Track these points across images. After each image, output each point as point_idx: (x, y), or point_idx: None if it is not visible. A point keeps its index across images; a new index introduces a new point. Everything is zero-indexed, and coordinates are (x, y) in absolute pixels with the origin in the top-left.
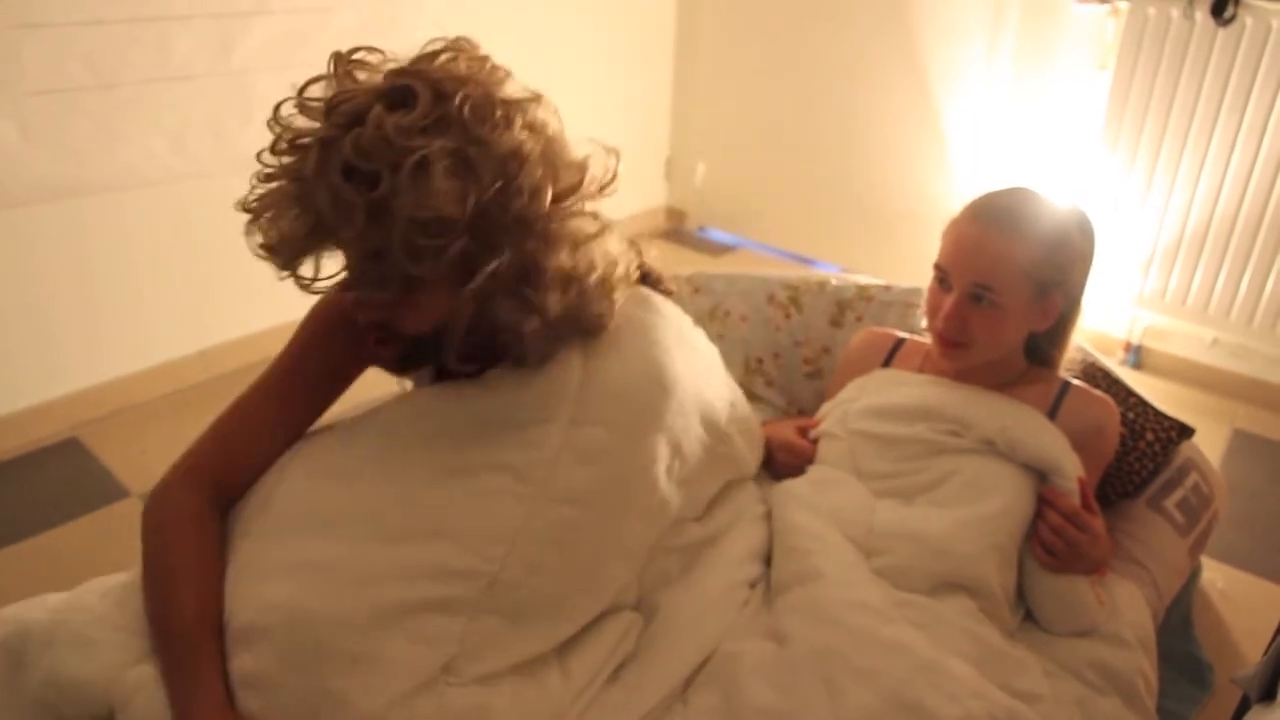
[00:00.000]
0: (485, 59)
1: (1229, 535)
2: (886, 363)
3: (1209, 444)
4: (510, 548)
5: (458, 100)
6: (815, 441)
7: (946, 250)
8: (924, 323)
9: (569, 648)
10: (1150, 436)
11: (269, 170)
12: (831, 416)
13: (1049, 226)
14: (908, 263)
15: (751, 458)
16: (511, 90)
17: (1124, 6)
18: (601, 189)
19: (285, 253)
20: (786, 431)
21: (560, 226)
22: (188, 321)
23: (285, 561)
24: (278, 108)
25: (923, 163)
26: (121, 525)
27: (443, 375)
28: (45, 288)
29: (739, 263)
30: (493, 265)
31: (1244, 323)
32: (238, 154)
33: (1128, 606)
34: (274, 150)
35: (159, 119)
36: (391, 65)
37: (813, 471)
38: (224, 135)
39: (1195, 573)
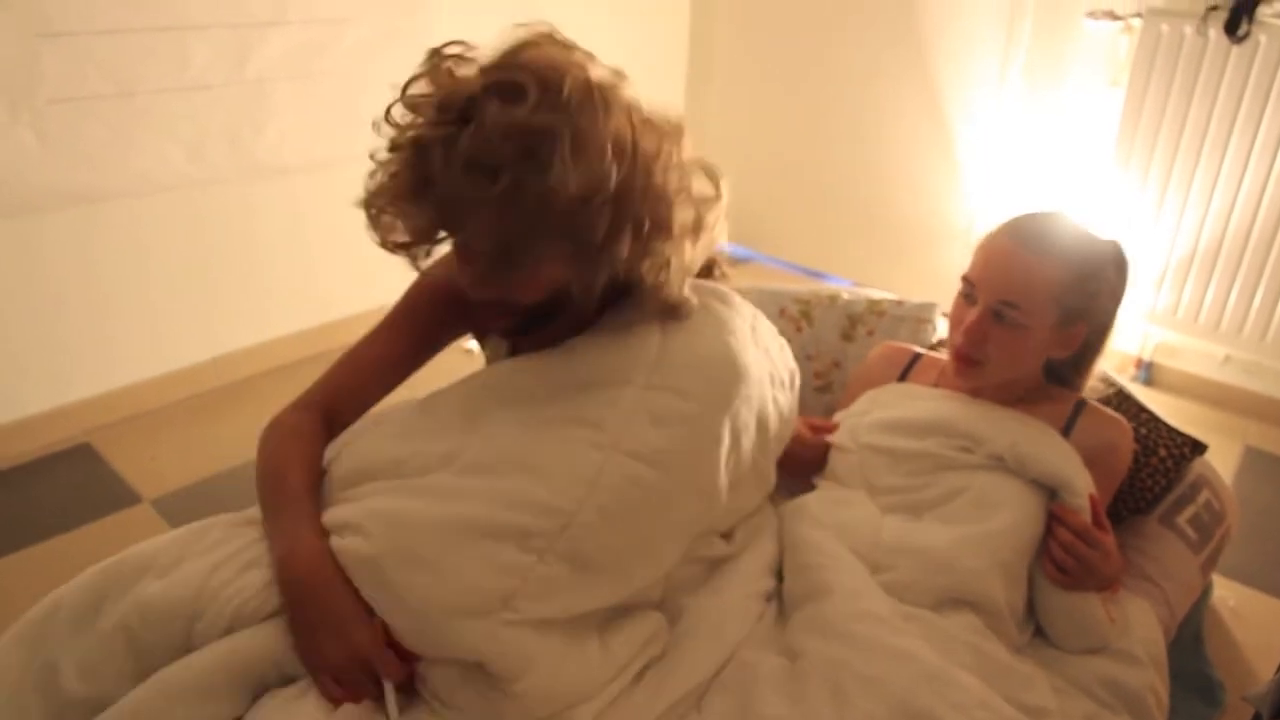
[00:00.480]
0: (572, 46)
1: (1241, 552)
2: (902, 377)
3: (1221, 461)
4: (589, 490)
5: (565, 89)
6: (828, 443)
7: (977, 264)
8: (936, 338)
9: (610, 625)
10: (1163, 453)
11: (391, 170)
12: (843, 429)
13: (1084, 254)
14: (919, 278)
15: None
16: (599, 72)
17: (1137, 23)
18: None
19: (417, 247)
20: (797, 425)
21: (658, 186)
22: (200, 328)
23: (381, 490)
24: (388, 111)
25: (935, 178)
26: (133, 530)
27: (517, 349)
28: (60, 293)
29: (751, 276)
30: (626, 232)
31: (1256, 340)
32: (253, 162)
33: (1139, 624)
34: (392, 149)
35: (175, 127)
36: (478, 56)
37: (822, 488)
38: (240, 143)
39: (1206, 590)
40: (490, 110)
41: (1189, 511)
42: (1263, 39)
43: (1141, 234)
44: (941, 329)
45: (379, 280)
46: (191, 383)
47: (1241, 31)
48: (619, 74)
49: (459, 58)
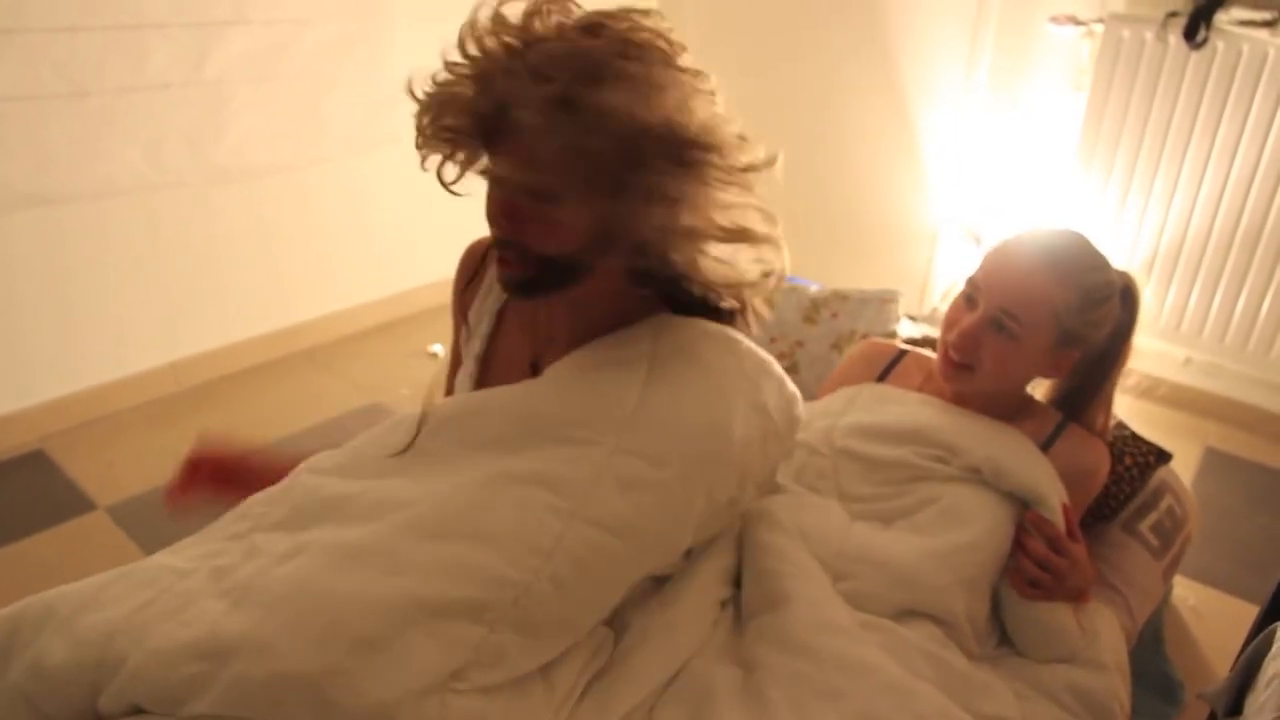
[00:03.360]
0: (668, 30)
1: (1200, 553)
2: (882, 377)
3: (1181, 463)
4: (545, 560)
5: (641, 39)
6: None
7: (985, 268)
8: (905, 325)
9: (552, 661)
10: (1129, 460)
11: (458, 70)
12: (816, 428)
13: (1095, 281)
14: (884, 280)
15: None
16: (683, 59)
17: (1099, 29)
18: (743, 169)
19: (456, 154)
20: None
21: (706, 179)
22: (159, 332)
23: (319, 540)
24: (473, 18)
25: (900, 181)
26: (88, 538)
27: (484, 358)
28: (16, 296)
29: None
30: (644, 191)
31: (1216, 342)
32: (213, 165)
33: (1104, 630)
34: (463, 52)
35: (134, 128)
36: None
37: (790, 491)
38: (199, 146)
39: (1167, 590)
40: (569, 34)
41: (1151, 518)
42: (1220, 45)
43: (1103, 237)
44: (905, 327)
45: (341, 284)
46: (150, 388)
47: (1200, 38)
48: (700, 72)
49: (561, 9)
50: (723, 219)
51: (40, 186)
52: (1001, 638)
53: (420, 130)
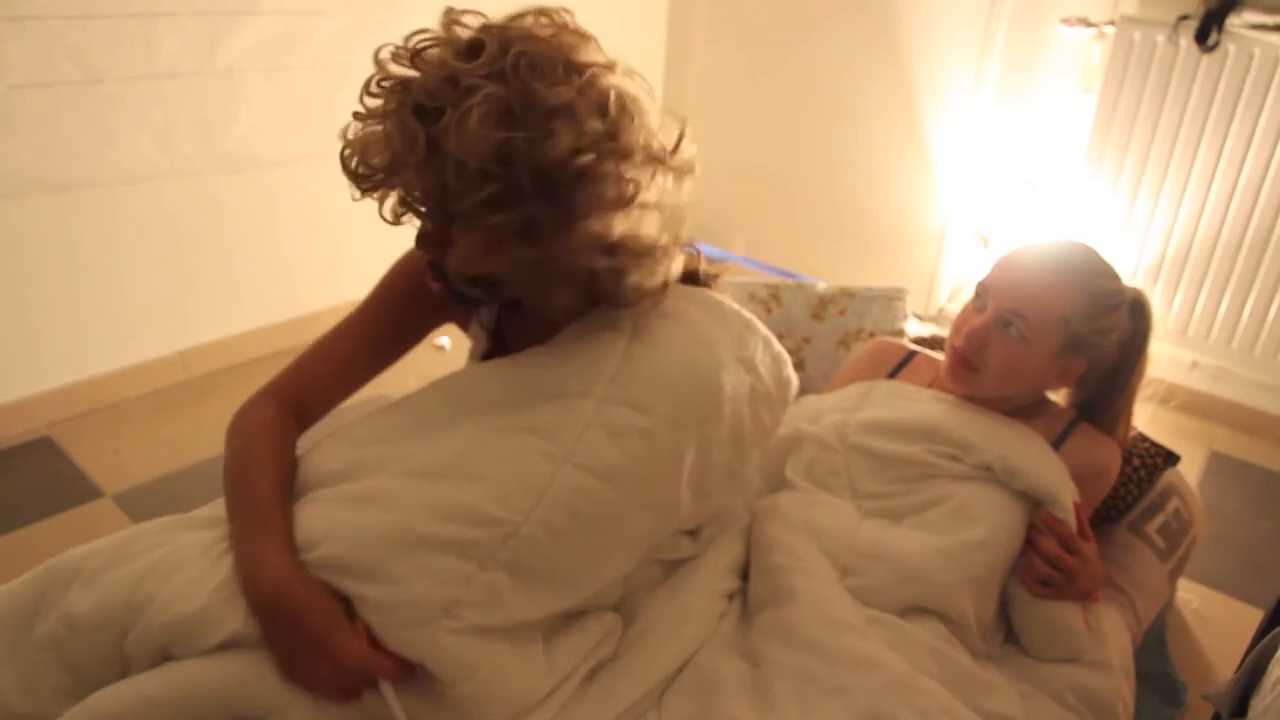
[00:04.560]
0: (564, 24)
1: (1205, 556)
2: (892, 376)
3: (1187, 466)
4: (536, 502)
5: (514, 53)
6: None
7: (995, 270)
8: (912, 324)
9: (555, 634)
10: (1136, 462)
11: (365, 109)
12: (828, 422)
13: (1103, 289)
14: (892, 280)
15: (757, 479)
16: (585, 54)
17: (1110, 31)
18: (656, 160)
19: (366, 182)
20: None
21: (594, 179)
22: (168, 321)
23: (333, 494)
24: (377, 53)
25: (909, 181)
26: (95, 525)
27: (492, 353)
28: (26, 282)
29: (724, 276)
30: (521, 211)
31: (1223, 345)
32: (223, 154)
33: (1110, 631)
34: (368, 92)
35: (146, 116)
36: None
37: (800, 487)
38: (210, 134)
39: (1171, 593)
40: (446, 64)
41: (1158, 520)
42: (1231, 48)
43: (1111, 239)
44: (913, 326)
45: (351, 275)
46: (158, 376)
47: (1211, 41)
48: (610, 63)
49: (465, 24)
50: (608, 222)
51: (52, 172)
52: (1007, 636)
53: (351, 175)
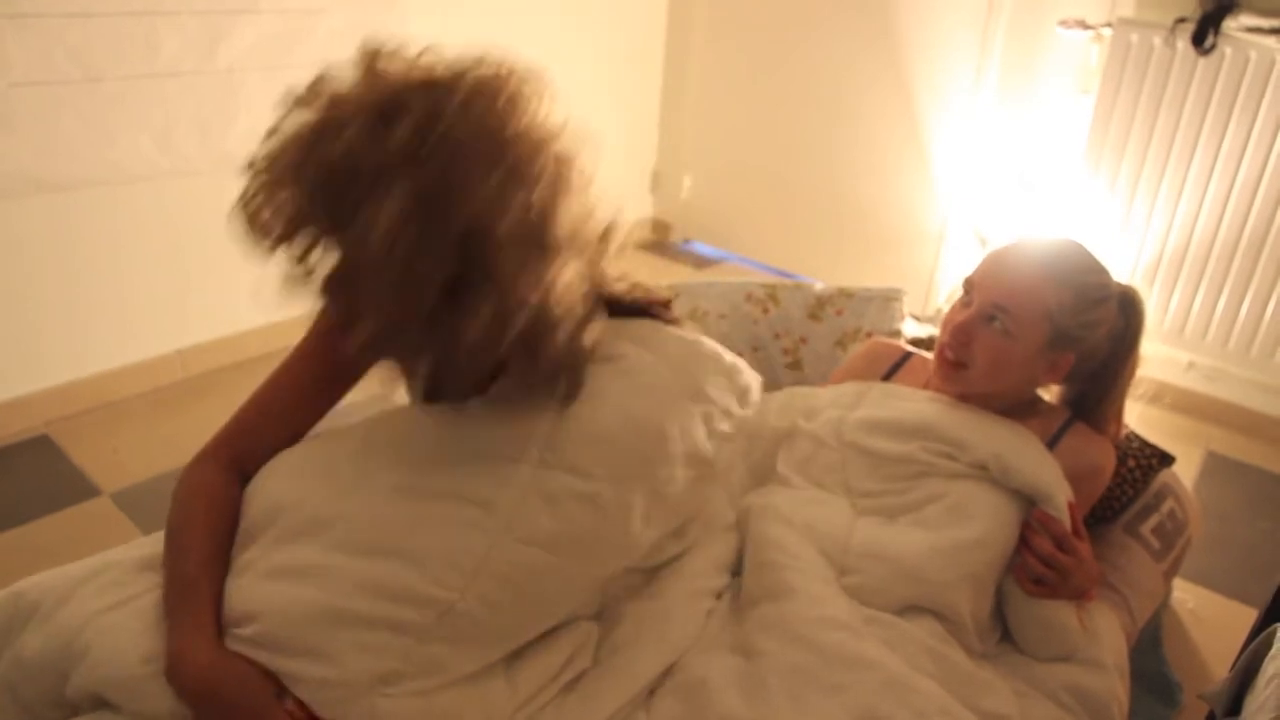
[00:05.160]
0: (508, 78)
1: (1200, 556)
2: (887, 378)
3: (1183, 466)
4: (471, 580)
5: (442, 128)
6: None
7: (982, 266)
8: (909, 324)
9: (517, 659)
10: (1131, 463)
11: (263, 157)
12: (825, 419)
13: (1088, 282)
14: (890, 280)
15: (732, 461)
16: (526, 124)
17: (1107, 33)
18: (590, 249)
19: (264, 238)
20: None
21: (501, 267)
22: (167, 320)
23: (265, 564)
24: (305, 91)
25: (908, 182)
26: (93, 524)
27: (434, 388)
28: (25, 281)
29: (722, 275)
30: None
31: (1219, 346)
32: (223, 153)
33: (1105, 631)
34: (270, 134)
35: (146, 115)
36: (410, 61)
37: (795, 486)
38: (210, 133)
39: (1166, 593)
40: (354, 134)
41: (1153, 521)
42: (1228, 51)
43: (1109, 239)
44: (910, 326)
45: None
46: (157, 375)
47: (1208, 44)
48: (554, 133)
49: (393, 56)
50: (532, 293)
51: (51, 171)
52: (1002, 635)
53: (242, 210)
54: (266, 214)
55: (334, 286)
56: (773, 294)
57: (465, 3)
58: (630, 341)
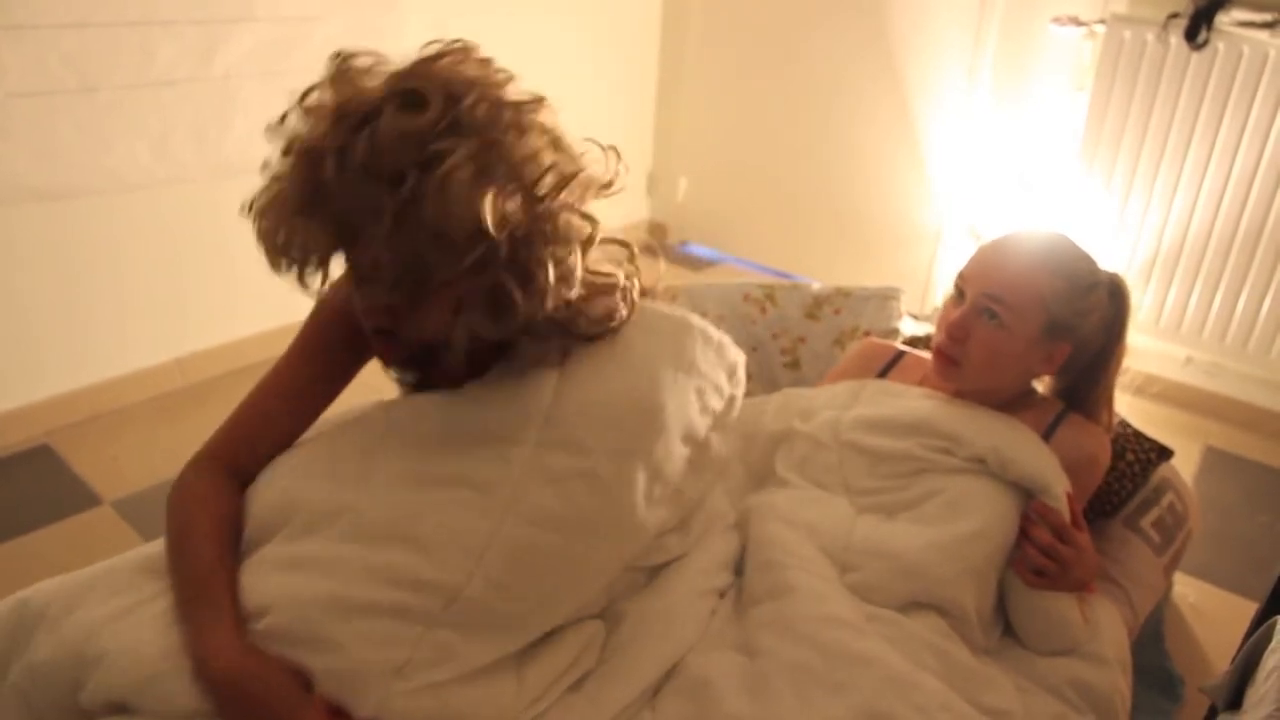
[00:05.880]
0: (488, 61)
1: (1201, 551)
2: (881, 376)
3: (1182, 461)
4: (477, 563)
5: (469, 102)
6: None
7: (973, 260)
8: (907, 323)
9: (527, 657)
10: (1130, 457)
11: (278, 179)
12: (821, 419)
13: (1079, 270)
14: (887, 280)
15: (729, 454)
16: (515, 93)
17: (1100, 29)
18: (602, 189)
19: (310, 264)
20: None
21: (562, 227)
22: (166, 328)
23: (275, 559)
24: (284, 117)
25: (903, 181)
26: (93, 533)
27: (425, 383)
28: (23, 290)
29: (719, 277)
30: (493, 273)
31: (1217, 341)
32: (220, 160)
33: (1106, 625)
34: (285, 154)
35: (142, 123)
36: (390, 68)
37: (795, 486)
38: (207, 141)
39: (1167, 587)
40: (388, 117)
41: (1153, 515)
42: (1221, 46)
43: (1105, 236)
44: (907, 325)
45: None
46: (156, 383)
47: (1201, 39)
48: (539, 99)
49: (363, 69)
50: (569, 257)
51: (48, 181)
52: (1004, 630)
53: (260, 236)
54: (306, 235)
55: (399, 280)
56: (770, 294)
57: (460, 9)
58: (633, 324)
